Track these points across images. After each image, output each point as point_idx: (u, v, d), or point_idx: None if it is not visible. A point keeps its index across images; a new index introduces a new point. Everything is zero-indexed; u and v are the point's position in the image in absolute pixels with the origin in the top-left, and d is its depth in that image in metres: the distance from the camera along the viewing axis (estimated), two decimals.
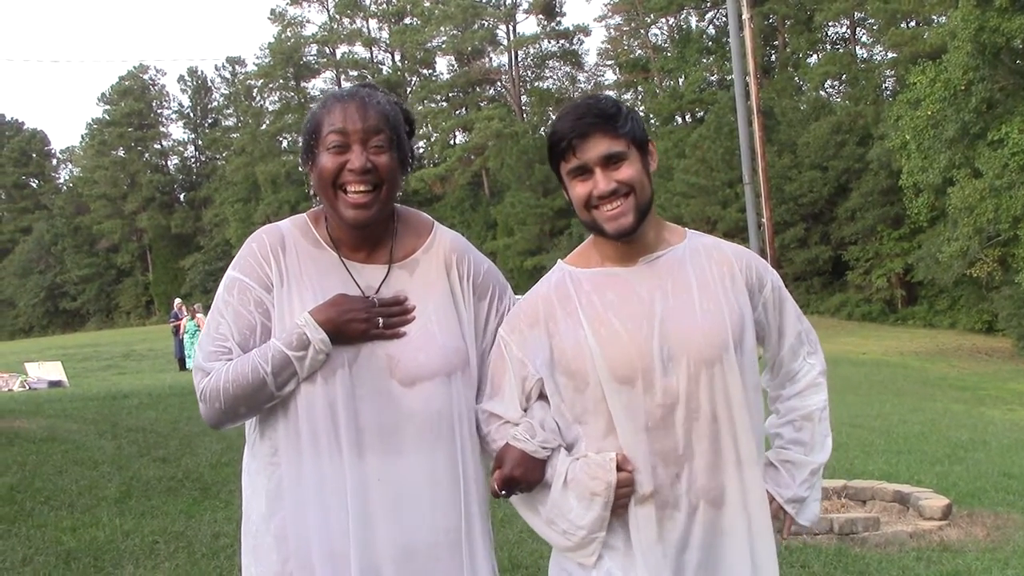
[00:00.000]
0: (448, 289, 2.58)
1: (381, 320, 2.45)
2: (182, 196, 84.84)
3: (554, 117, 2.56)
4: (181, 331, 26.64)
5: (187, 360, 26.16)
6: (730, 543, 2.48)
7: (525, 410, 2.54)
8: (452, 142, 66.77)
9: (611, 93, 50.14)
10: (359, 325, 2.42)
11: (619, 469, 2.43)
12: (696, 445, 2.44)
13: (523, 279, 50.01)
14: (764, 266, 2.65)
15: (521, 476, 2.47)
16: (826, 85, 53.33)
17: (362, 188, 2.41)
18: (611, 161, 2.44)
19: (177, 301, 29.88)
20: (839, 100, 51.47)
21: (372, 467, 2.40)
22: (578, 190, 2.48)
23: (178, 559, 5.75)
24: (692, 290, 2.51)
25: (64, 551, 5.81)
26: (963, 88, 30.12)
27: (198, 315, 26.46)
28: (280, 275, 2.47)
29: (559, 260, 2.68)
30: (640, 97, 61.88)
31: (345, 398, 2.40)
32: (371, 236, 2.53)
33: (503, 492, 2.50)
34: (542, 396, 2.56)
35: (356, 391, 2.41)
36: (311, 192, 2.54)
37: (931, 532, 7.05)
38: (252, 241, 2.54)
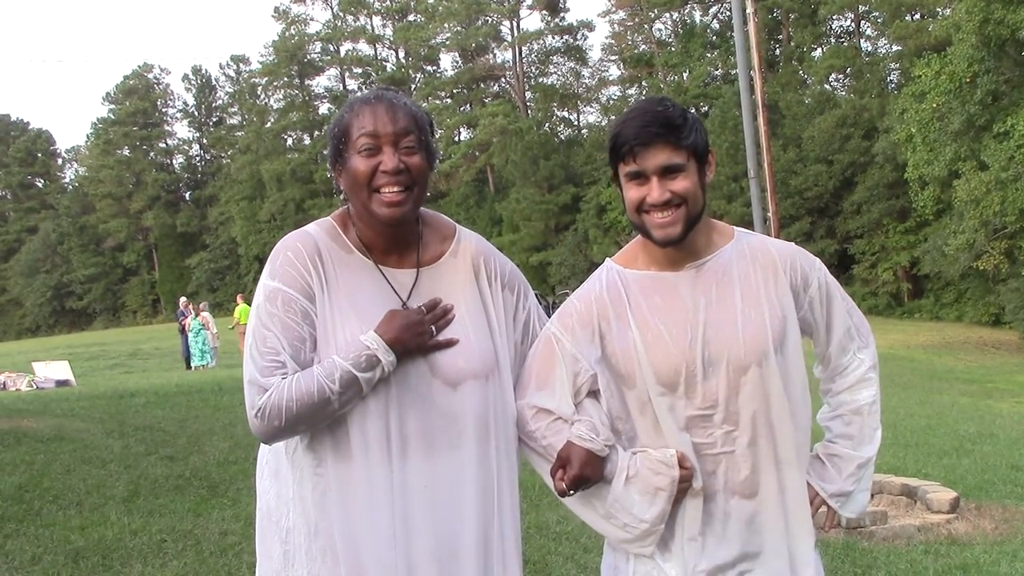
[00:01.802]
0: (477, 292, 2.61)
1: (433, 328, 2.48)
2: (187, 195, 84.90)
3: (621, 114, 2.57)
4: (187, 329, 26.66)
5: (192, 359, 26.25)
6: (768, 539, 2.53)
7: (576, 406, 2.57)
8: (457, 139, 66.72)
9: (615, 89, 49.70)
10: (421, 339, 2.45)
11: (680, 465, 2.49)
12: (734, 445, 2.50)
13: (529, 275, 49.60)
14: (810, 263, 2.66)
15: (590, 474, 2.50)
16: (831, 79, 53.27)
17: (396, 188, 2.43)
18: (669, 172, 2.46)
19: (183, 300, 29.85)
20: (844, 94, 51.40)
21: (416, 470, 2.43)
22: (632, 194, 2.51)
23: (186, 557, 5.76)
24: (735, 296, 2.55)
25: (72, 550, 5.82)
26: (968, 80, 30.08)
27: (202, 313, 26.47)
28: (321, 283, 2.47)
29: (607, 259, 2.72)
30: (644, 92, 61.77)
31: (394, 407, 2.42)
32: (400, 239, 2.55)
33: (571, 492, 2.53)
34: (591, 394, 2.59)
35: (402, 398, 2.43)
36: (341, 196, 2.55)
37: (939, 525, 7.04)
38: (287, 250, 2.50)
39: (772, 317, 2.54)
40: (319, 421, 2.40)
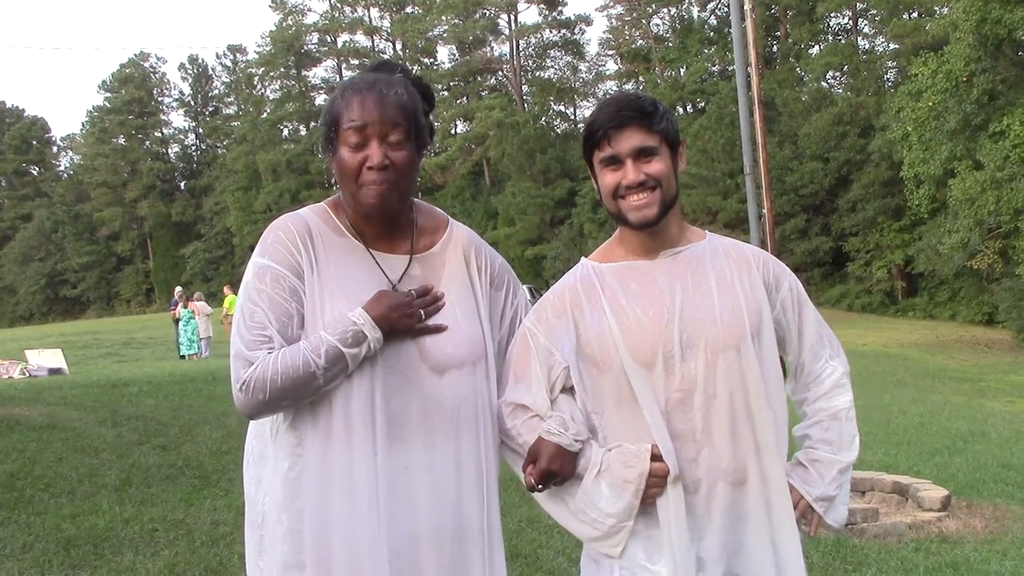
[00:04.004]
0: (468, 282, 2.62)
1: (423, 313, 2.48)
2: (183, 184, 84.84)
3: (594, 108, 2.62)
4: (178, 319, 26.67)
5: (180, 347, 26.26)
6: (751, 529, 2.52)
7: (552, 402, 2.57)
8: (453, 131, 66.75)
9: (612, 83, 49.87)
10: (409, 320, 2.45)
11: (653, 459, 2.47)
12: (714, 429, 2.50)
13: (524, 269, 50.06)
14: (782, 268, 2.71)
15: (558, 469, 2.50)
16: (828, 76, 53.27)
17: (379, 183, 2.43)
18: (643, 154, 2.51)
19: (178, 289, 29.83)
20: (840, 91, 51.40)
21: (402, 456, 2.42)
22: (607, 179, 2.56)
23: (177, 547, 5.75)
24: (711, 283, 2.58)
25: (64, 538, 5.82)
26: (965, 80, 30.05)
27: (192, 303, 26.45)
28: (310, 263, 2.47)
29: (583, 258, 2.74)
30: (641, 87, 61.78)
31: (380, 389, 2.42)
32: (391, 226, 2.56)
33: (539, 487, 2.52)
34: (566, 390, 2.59)
35: (388, 381, 2.43)
36: (333, 181, 2.56)
37: (930, 523, 7.07)
38: (278, 229, 2.51)
39: (748, 305, 2.57)
40: (303, 396, 2.39)
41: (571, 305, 2.60)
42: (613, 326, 2.53)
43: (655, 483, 2.46)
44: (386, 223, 2.54)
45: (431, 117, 2.63)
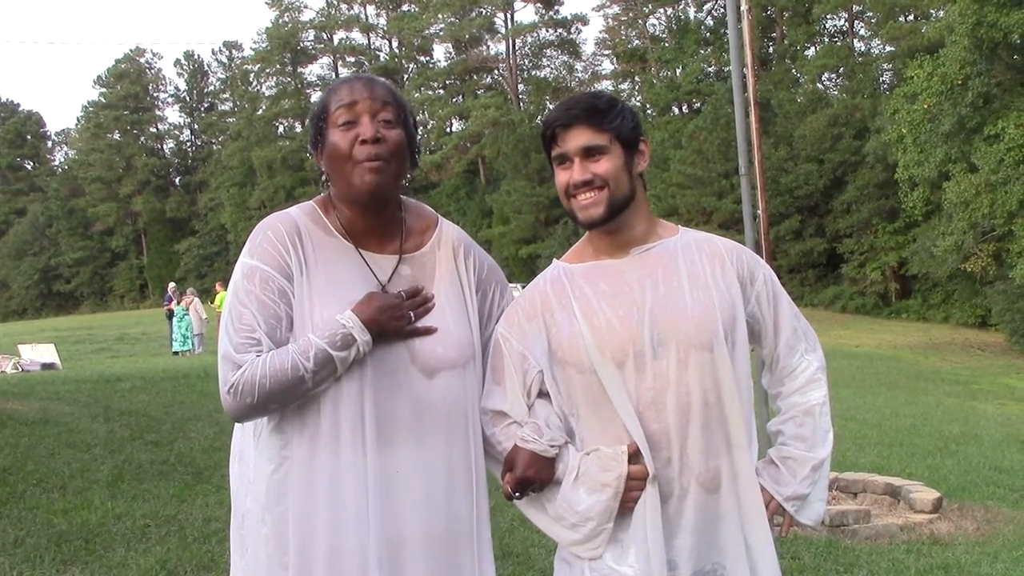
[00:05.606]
0: (458, 282, 2.61)
1: (412, 315, 2.47)
2: (177, 180, 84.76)
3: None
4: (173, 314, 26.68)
5: (173, 344, 26.23)
6: (724, 528, 2.50)
7: (529, 407, 2.56)
8: (448, 130, 66.69)
9: (608, 83, 49.98)
10: (398, 323, 2.43)
11: (631, 462, 2.45)
12: (688, 429, 2.47)
13: (518, 267, 50.05)
14: (756, 260, 2.67)
15: (534, 476, 2.48)
16: (823, 78, 53.34)
17: (373, 157, 2.41)
18: (590, 153, 2.49)
19: (171, 285, 29.77)
20: (836, 93, 51.46)
21: (392, 458, 2.41)
22: (560, 178, 2.55)
23: (169, 543, 5.75)
24: (682, 280, 2.54)
25: (55, 533, 5.81)
26: (960, 82, 30.06)
27: (185, 298, 26.43)
28: (299, 264, 2.45)
29: (555, 259, 2.72)
30: (637, 87, 61.89)
31: (369, 391, 2.40)
32: (381, 224, 2.54)
33: (516, 494, 2.52)
34: (542, 394, 2.58)
35: (378, 383, 2.41)
36: (324, 179, 2.54)
37: (921, 525, 7.08)
38: (267, 229, 2.48)
39: (721, 301, 2.54)
40: (292, 400, 2.37)
41: (542, 308, 2.59)
42: (583, 327, 2.50)
43: (635, 486, 2.44)
44: (376, 220, 2.52)
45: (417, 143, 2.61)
